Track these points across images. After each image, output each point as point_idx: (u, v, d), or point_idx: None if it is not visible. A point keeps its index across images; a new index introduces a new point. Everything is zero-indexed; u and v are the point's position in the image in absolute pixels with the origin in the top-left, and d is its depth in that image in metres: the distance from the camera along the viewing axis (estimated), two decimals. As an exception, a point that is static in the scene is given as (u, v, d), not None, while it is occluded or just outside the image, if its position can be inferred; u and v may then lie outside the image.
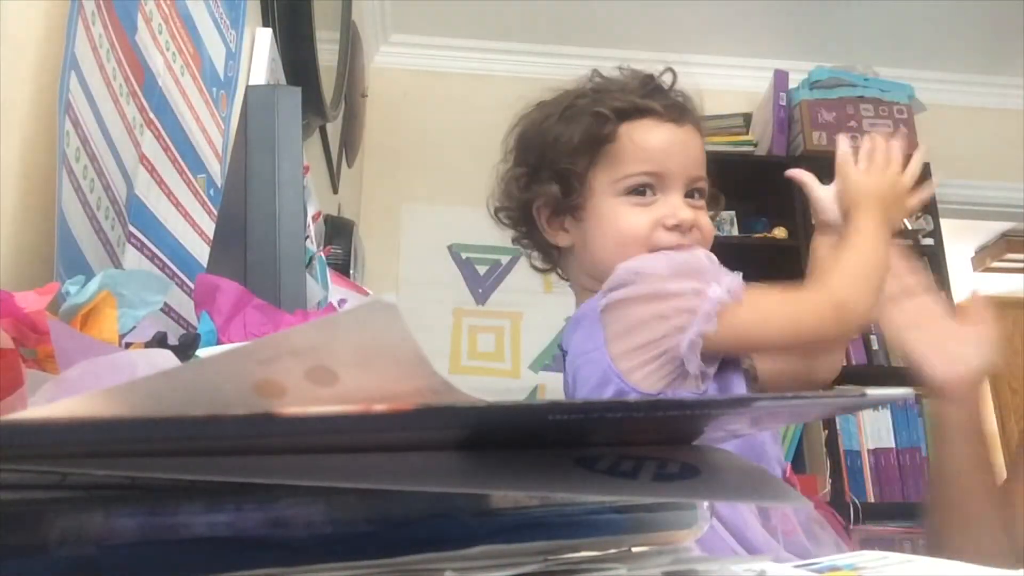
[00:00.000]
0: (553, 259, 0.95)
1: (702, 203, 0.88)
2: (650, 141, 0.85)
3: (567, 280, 0.94)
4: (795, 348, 0.89)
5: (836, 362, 0.96)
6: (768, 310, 0.82)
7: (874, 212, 0.88)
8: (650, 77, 0.90)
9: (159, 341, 0.60)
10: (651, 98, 0.87)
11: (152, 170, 0.86)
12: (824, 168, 0.99)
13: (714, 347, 0.78)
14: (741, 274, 0.81)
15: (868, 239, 0.86)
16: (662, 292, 0.78)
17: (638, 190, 0.85)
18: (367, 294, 1.21)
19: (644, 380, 0.78)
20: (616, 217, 0.85)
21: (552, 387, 2.63)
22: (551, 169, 0.88)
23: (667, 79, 0.91)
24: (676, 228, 0.84)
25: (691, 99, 0.91)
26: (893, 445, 2.44)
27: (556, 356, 2.66)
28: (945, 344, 0.92)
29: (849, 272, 0.83)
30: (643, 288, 0.79)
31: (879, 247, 0.86)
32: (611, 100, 0.87)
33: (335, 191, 2.26)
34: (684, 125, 0.87)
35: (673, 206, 0.84)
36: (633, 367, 0.79)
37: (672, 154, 0.85)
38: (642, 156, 0.85)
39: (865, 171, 0.91)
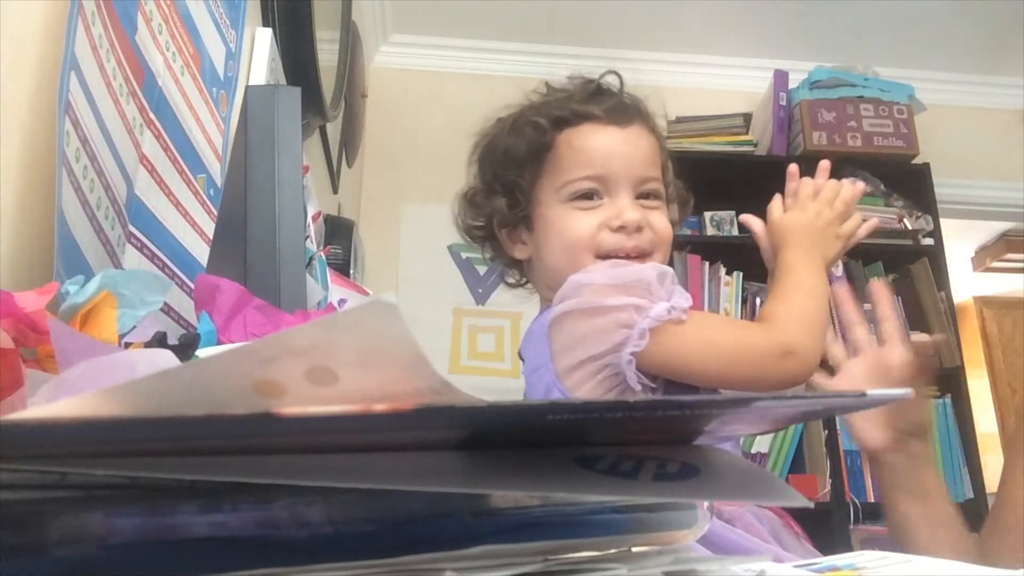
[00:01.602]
0: (520, 273, 0.94)
1: (656, 203, 0.86)
2: (589, 146, 0.84)
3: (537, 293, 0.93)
4: (729, 387, 0.79)
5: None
6: (710, 339, 0.78)
7: (799, 247, 0.85)
8: (591, 82, 0.89)
9: (159, 341, 0.59)
10: (592, 102, 0.86)
11: (152, 170, 0.86)
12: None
13: (648, 366, 0.76)
14: (689, 296, 0.78)
15: (802, 276, 0.83)
16: (601, 306, 0.76)
17: (584, 195, 0.83)
18: (367, 294, 1.21)
19: (588, 395, 0.76)
20: (561, 223, 0.83)
21: (552, 387, 2.63)
22: (500, 183, 0.88)
23: (614, 82, 0.90)
24: (621, 229, 0.82)
25: (640, 100, 0.89)
26: (893, 445, 2.44)
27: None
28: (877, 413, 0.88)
29: (796, 314, 0.79)
30: (583, 302, 0.77)
31: (817, 284, 0.83)
32: (551, 109, 0.86)
33: (335, 191, 2.26)
34: (628, 127, 0.85)
35: (619, 207, 0.82)
36: (577, 383, 0.77)
37: (614, 156, 0.83)
38: (582, 161, 0.83)
39: (788, 207, 0.90)
